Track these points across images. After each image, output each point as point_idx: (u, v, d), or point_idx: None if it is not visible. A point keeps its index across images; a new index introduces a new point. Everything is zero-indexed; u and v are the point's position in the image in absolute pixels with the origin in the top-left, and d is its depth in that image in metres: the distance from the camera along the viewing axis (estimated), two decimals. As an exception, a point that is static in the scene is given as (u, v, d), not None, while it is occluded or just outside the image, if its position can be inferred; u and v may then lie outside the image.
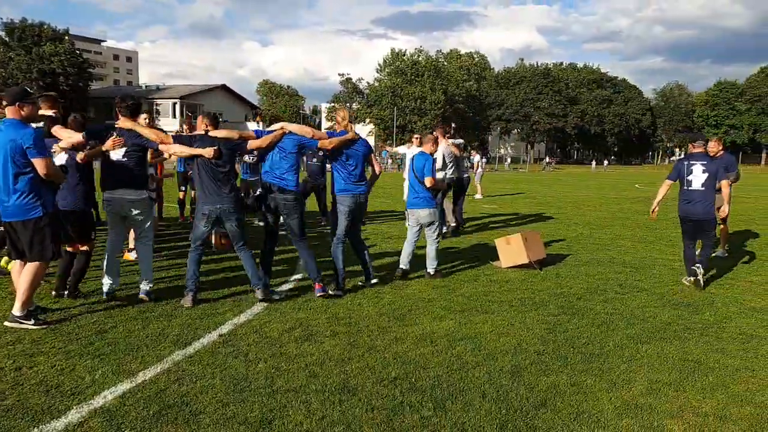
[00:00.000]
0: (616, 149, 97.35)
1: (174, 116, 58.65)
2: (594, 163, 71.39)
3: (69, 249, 5.34)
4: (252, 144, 5.53)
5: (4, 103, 4.48)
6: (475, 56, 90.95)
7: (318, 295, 5.62)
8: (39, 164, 4.36)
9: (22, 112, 4.42)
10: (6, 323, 4.46)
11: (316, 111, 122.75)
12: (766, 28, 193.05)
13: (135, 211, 5.27)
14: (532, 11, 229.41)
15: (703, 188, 6.44)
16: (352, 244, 6.17)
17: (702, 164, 6.47)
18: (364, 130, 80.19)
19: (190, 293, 5.27)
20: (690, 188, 6.53)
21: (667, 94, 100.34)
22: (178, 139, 5.52)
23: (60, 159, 5.07)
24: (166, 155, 6.43)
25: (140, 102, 5.68)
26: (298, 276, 6.54)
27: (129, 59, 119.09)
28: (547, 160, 75.31)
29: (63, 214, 5.05)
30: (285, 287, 6.05)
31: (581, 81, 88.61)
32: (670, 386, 3.77)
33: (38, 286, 4.82)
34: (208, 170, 5.27)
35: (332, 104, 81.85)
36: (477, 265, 7.42)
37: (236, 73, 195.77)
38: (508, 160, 71.24)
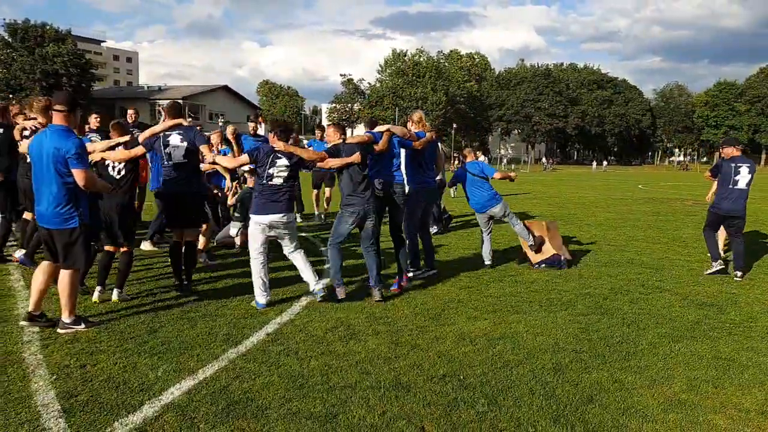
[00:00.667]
0: (615, 149, 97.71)
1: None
2: (594, 163, 71.71)
3: (109, 249, 5.50)
4: (378, 147, 5.88)
5: (58, 107, 4.46)
6: (476, 57, 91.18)
7: (399, 285, 6.12)
8: (79, 175, 4.37)
9: (74, 121, 4.56)
10: (59, 331, 4.55)
11: (316, 111, 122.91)
12: (764, 29, 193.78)
13: (287, 231, 5.47)
14: (530, 11, 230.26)
15: (747, 187, 7.21)
16: (420, 234, 6.76)
17: (747, 166, 7.23)
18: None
19: (341, 286, 5.69)
20: (736, 187, 7.21)
21: (667, 95, 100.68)
22: (331, 153, 5.69)
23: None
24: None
25: (290, 126, 5.99)
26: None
27: (129, 59, 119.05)
28: (544, 160, 75.62)
29: (107, 214, 5.24)
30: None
31: (582, 81, 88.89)
32: (709, 383, 3.93)
33: (78, 291, 4.87)
34: (354, 174, 5.61)
35: (333, 104, 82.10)
36: (499, 266, 7.57)
37: (235, 74, 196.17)
38: (504, 161, 71.38)
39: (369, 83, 79.25)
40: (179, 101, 5.96)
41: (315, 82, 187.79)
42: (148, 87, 71.59)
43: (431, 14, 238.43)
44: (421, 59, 77.37)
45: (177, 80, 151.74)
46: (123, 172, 5.39)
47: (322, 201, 11.70)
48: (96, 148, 5.32)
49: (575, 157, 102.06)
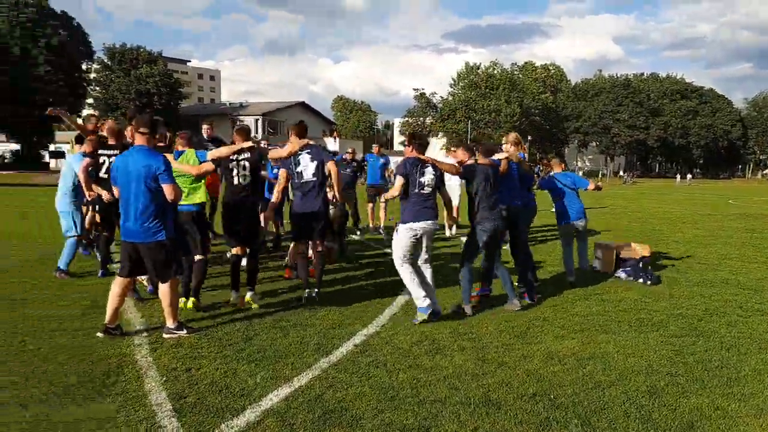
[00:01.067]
0: (701, 162, 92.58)
1: (256, 132, 61.10)
2: (678, 176, 68.25)
3: (237, 252, 5.97)
4: (501, 170, 6.19)
5: (142, 130, 4.74)
6: (551, 68, 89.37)
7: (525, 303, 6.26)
8: (168, 189, 4.68)
9: (158, 143, 5.00)
10: (164, 335, 4.88)
11: (388, 126, 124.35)
12: None
13: (431, 238, 5.74)
14: (607, 20, 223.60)
15: None
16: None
17: None
18: (438, 144, 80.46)
19: (469, 304, 5.90)
20: None
21: (760, 104, 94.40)
22: (467, 170, 5.96)
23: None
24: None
25: (426, 140, 6.18)
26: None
27: (212, 78, 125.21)
28: (622, 173, 72.75)
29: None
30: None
31: (664, 92, 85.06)
32: (822, 414, 3.69)
33: (179, 300, 5.20)
34: (487, 195, 5.88)
35: (406, 119, 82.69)
36: (583, 284, 7.40)
37: (309, 89, 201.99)
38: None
39: (441, 97, 79.31)
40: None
41: (387, 97, 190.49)
42: (230, 104, 74.95)
43: (503, 26, 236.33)
44: (495, 71, 76.73)
45: (256, 97, 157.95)
46: (248, 179, 5.80)
47: (377, 214, 11.96)
48: (221, 153, 5.70)
49: (657, 170, 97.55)
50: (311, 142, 6.01)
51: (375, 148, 12.77)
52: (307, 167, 5.94)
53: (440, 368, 4.35)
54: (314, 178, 5.94)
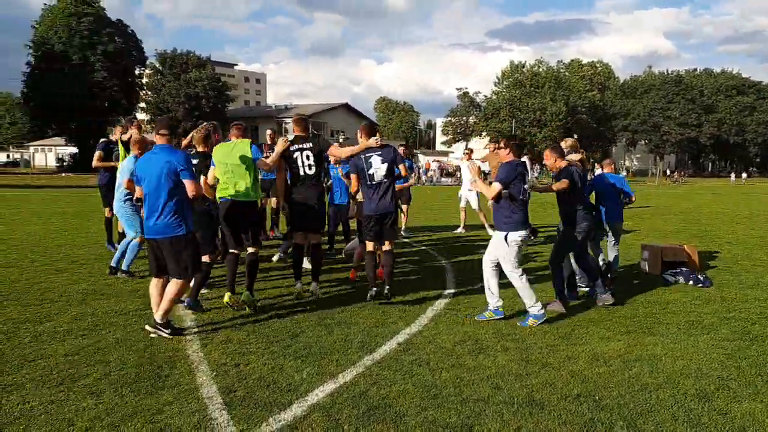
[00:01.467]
0: (758, 160, 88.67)
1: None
2: (733, 175, 65.57)
3: (301, 242, 6.28)
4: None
5: (162, 132, 5.01)
6: (598, 65, 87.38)
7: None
8: (189, 185, 4.88)
9: (174, 141, 5.20)
10: (147, 327, 4.96)
11: (430, 125, 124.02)
12: None
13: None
14: (657, 15, 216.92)
15: None
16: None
17: None
18: (481, 144, 79.76)
19: (561, 302, 6.07)
20: None
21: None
22: (567, 175, 6.08)
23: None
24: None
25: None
26: (452, 290, 6.81)
27: (258, 81, 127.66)
28: (668, 172, 70.45)
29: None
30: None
31: (718, 87, 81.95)
32: None
33: (178, 300, 5.23)
34: (581, 197, 6.18)
35: (449, 118, 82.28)
36: (631, 284, 7.26)
37: (352, 91, 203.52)
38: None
39: (485, 96, 78.59)
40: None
41: (429, 97, 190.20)
42: (275, 106, 76.41)
43: (549, 23, 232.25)
44: (540, 69, 75.53)
45: (300, 98, 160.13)
46: (313, 169, 6.12)
47: (400, 216, 11.94)
48: (277, 150, 6.06)
49: (710, 169, 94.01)
50: (383, 143, 6.18)
51: (401, 149, 12.30)
52: (379, 169, 6.04)
53: (483, 368, 4.36)
54: (386, 180, 6.07)
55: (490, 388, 3.98)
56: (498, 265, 5.58)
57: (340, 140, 64.67)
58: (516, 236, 5.43)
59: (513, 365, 4.43)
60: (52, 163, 71.33)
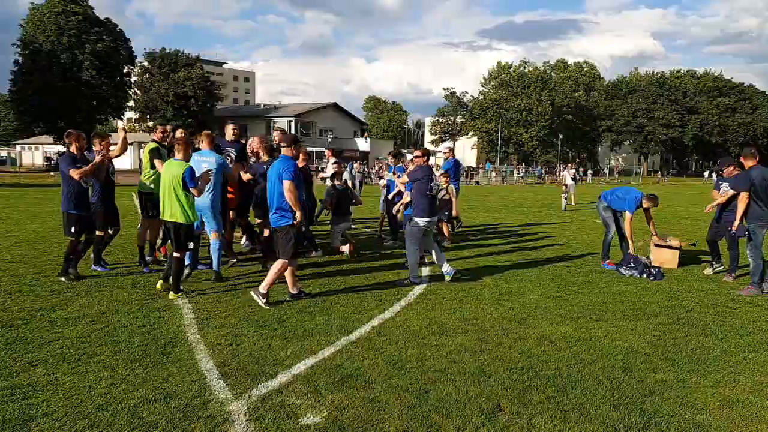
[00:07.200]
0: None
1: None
2: (707, 173, 66.75)
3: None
4: None
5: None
6: (584, 66, 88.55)
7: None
8: (287, 186, 6.16)
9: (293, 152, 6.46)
10: (251, 292, 6.32)
11: (419, 125, 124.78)
12: None
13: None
14: (645, 15, 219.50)
15: None
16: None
17: None
18: (468, 143, 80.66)
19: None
20: None
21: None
22: None
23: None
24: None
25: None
26: (426, 281, 7.50)
27: (246, 79, 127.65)
28: (660, 174, 71.58)
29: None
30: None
31: (701, 89, 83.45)
32: (772, 387, 4.26)
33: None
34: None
35: (436, 118, 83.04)
36: (590, 278, 7.98)
37: (342, 90, 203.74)
38: (607, 172, 68.30)
39: (472, 96, 79.48)
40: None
41: (419, 96, 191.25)
42: (264, 105, 76.66)
43: (538, 23, 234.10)
44: (526, 70, 76.47)
45: (290, 97, 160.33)
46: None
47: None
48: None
49: (693, 169, 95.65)
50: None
51: (390, 158, 11.72)
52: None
53: (444, 346, 5.05)
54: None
55: (448, 362, 4.66)
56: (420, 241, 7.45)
57: (329, 139, 65.11)
58: (418, 221, 7.26)
59: (470, 344, 5.12)
60: (39, 161, 71.21)
